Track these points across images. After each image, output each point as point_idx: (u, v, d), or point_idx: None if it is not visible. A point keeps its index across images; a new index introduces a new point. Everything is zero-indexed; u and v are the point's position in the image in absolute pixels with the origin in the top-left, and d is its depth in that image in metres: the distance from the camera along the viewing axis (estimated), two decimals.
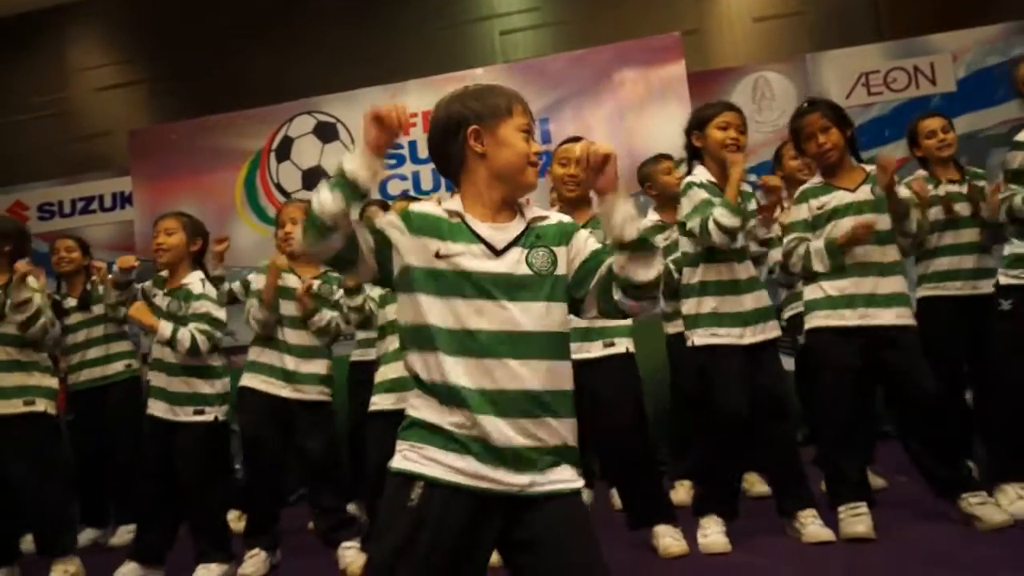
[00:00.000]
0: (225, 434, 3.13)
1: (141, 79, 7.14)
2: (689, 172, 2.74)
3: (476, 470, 1.31)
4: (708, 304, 2.63)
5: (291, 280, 3.12)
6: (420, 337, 1.37)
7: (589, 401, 2.44)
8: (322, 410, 3.13)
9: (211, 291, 3.05)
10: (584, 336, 2.60)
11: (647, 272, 1.38)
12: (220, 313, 3.02)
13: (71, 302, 3.92)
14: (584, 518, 1.38)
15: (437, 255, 1.38)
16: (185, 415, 2.95)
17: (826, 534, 2.50)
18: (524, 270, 1.38)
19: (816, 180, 2.76)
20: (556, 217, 1.48)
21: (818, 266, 2.64)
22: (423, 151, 5.26)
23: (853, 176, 2.69)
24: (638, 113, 4.79)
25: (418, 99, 5.13)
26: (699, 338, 2.63)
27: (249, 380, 3.11)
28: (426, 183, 5.20)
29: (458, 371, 1.33)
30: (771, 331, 2.66)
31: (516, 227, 1.42)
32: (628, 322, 2.61)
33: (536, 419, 1.34)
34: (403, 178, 5.23)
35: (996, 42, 5.01)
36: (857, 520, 2.49)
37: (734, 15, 6.38)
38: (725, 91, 5.38)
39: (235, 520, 3.87)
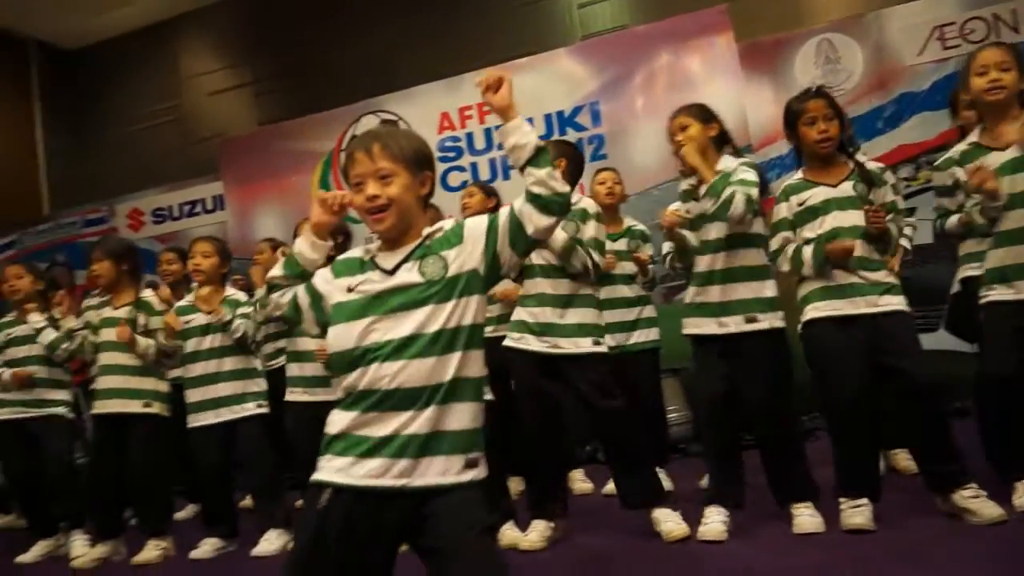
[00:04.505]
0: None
1: (248, 81, 7.62)
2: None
3: (369, 470, 1.49)
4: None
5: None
6: (337, 359, 1.59)
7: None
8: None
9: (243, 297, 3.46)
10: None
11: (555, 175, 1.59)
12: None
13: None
14: (475, 521, 1.50)
15: (349, 289, 1.62)
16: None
17: (815, 524, 2.54)
18: (415, 279, 1.57)
19: (797, 176, 2.71)
20: (447, 226, 1.65)
21: (806, 271, 2.61)
22: (480, 142, 5.42)
23: (836, 172, 2.62)
24: (688, 90, 4.71)
25: (474, 92, 5.28)
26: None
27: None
28: (484, 173, 5.36)
29: (362, 380, 1.52)
30: None
31: (410, 247, 1.63)
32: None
33: (418, 411, 1.49)
34: (462, 170, 5.42)
35: None
36: (856, 512, 2.49)
37: None
38: (786, 59, 5.19)
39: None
